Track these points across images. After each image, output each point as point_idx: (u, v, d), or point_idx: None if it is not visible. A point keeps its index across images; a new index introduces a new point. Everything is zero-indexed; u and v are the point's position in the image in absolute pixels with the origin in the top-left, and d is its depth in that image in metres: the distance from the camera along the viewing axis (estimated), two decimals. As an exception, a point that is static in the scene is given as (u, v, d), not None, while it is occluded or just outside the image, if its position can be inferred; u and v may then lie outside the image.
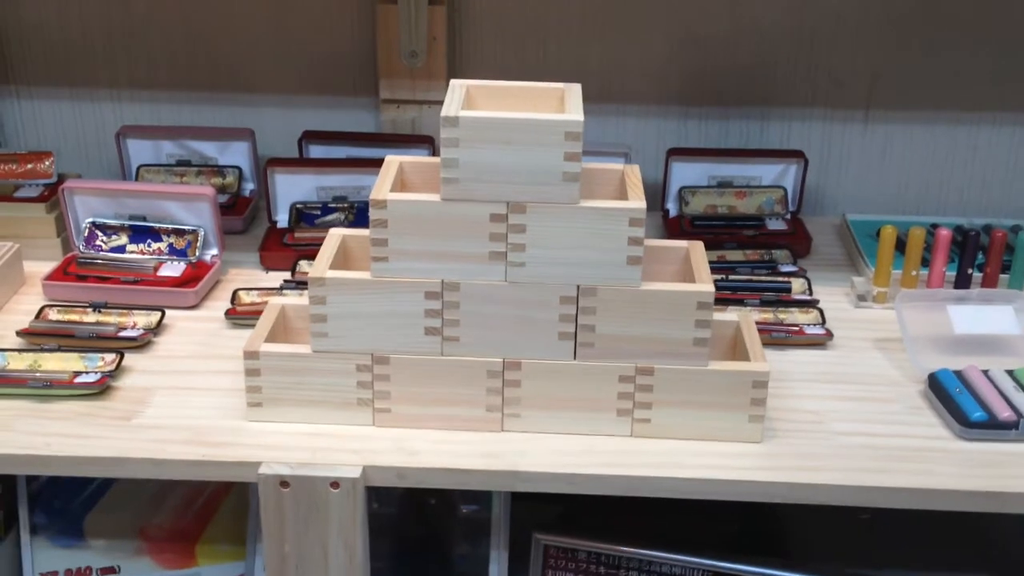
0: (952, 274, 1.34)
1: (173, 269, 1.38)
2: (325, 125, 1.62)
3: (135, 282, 1.35)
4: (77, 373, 1.17)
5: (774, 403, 1.13)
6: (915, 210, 1.66)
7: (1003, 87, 1.59)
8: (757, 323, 1.21)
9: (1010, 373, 1.18)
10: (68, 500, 1.35)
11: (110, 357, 1.19)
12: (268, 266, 1.44)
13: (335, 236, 1.15)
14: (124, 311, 1.30)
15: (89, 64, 1.63)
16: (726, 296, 1.33)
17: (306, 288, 1.16)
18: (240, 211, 1.55)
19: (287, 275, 1.40)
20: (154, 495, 1.37)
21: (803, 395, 1.18)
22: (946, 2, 1.54)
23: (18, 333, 1.24)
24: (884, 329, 1.30)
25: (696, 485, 1.04)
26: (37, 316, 1.29)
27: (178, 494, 1.38)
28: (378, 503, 1.32)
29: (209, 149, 1.61)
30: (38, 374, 1.16)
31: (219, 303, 1.34)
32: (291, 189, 1.52)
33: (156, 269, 1.38)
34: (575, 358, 1.08)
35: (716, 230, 1.52)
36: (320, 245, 1.13)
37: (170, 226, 1.41)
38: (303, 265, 1.40)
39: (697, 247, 1.15)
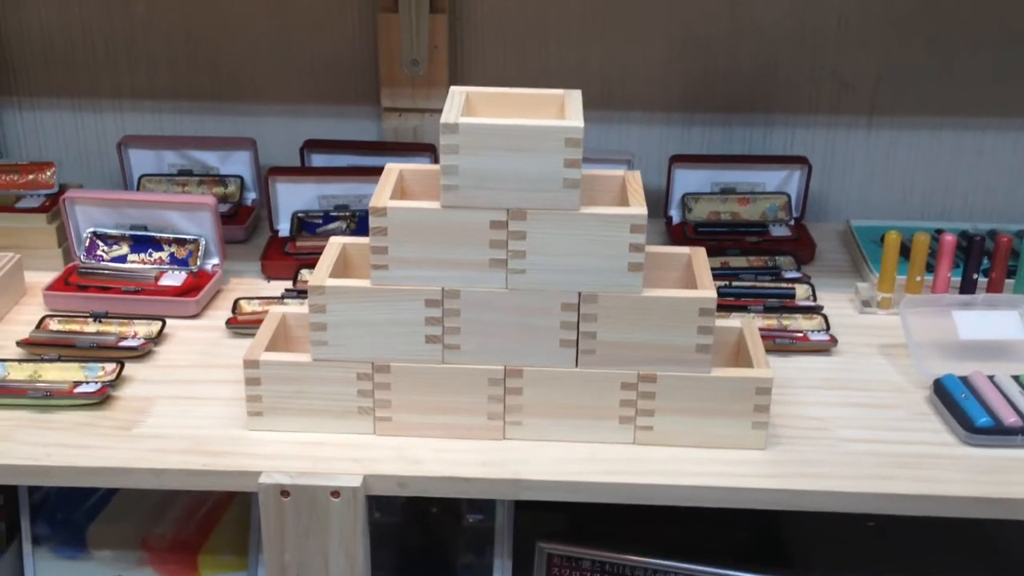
0: (957, 279, 1.33)
1: (174, 279, 1.38)
2: (327, 134, 1.62)
3: (136, 292, 1.35)
4: (77, 383, 1.16)
5: (778, 410, 1.13)
6: (919, 215, 1.65)
7: (1008, 91, 1.58)
8: (761, 329, 1.21)
9: (1016, 379, 1.17)
10: (71, 511, 1.35)
11: (111, 367, 1.19)
12: (269, 275, 1.44)
13: (335, 244, 1.15)
14: (125, 321, 1.30)
15: (91, 75, 1.64)
16: (730, 303, 1.33)
17: (307, 297, 1.16)
18: (241, 220, 1.55)
19: (289, 284, 1.40)
20: (157, 505, 1.37)
21: (807, 402, 1.17)
22: (948, 2, 1.54)
23: (18, 343, 1.24)
24: (889, 335, 1.30)
25: (700, 493, 1.04)
26: (38, 326, 1.29)
27: (180, 504, 1.37)
28: (381, 512, 1.32)
29: (210, 158, 1.60)
30: (38, 384, 1.16)
31: (220, 312, 1.34)
32: (292, 198, 1.52)
33: (157, 279, 1.37)
34: (577, 365, 1.07)
35: (720, 237, 1.51)
36: (322, 254, 1.13)
37: (171, 236, 1.41)
38: (305, 274, 1.40)
39: (699, 253, 1.14)
